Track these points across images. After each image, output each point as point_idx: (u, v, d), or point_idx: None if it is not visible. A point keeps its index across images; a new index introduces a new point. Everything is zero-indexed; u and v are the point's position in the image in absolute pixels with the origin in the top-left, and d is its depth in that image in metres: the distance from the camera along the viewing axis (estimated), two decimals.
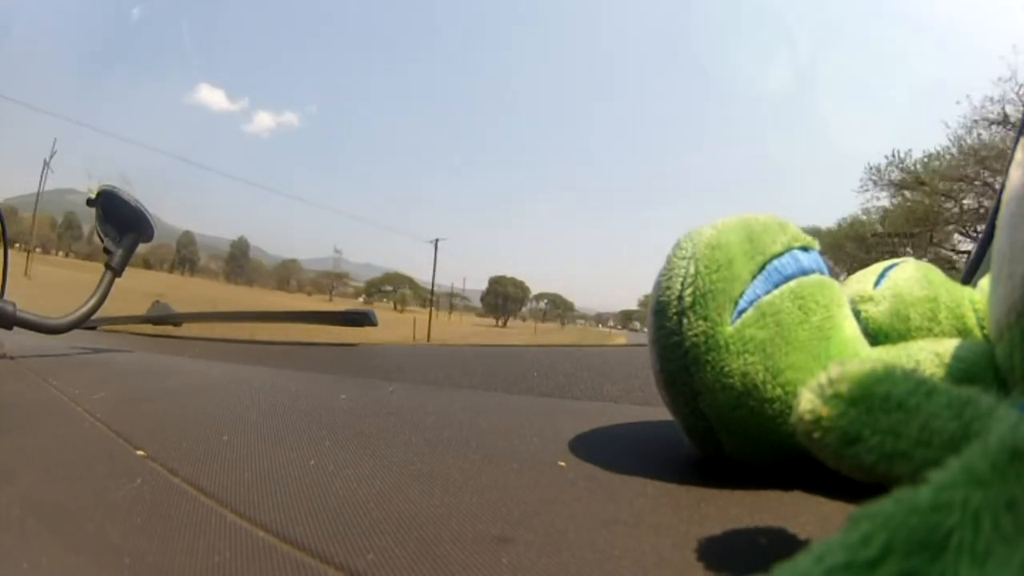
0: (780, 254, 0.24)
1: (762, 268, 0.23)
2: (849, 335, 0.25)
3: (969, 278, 0.54)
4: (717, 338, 0.22)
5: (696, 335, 0.22)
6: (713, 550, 0.17)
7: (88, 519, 0.20)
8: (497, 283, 42.46)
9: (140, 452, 0.27)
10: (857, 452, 0.13)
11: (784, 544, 0.18)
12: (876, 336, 0.29)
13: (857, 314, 0.29)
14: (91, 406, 0.35)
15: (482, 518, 0.20)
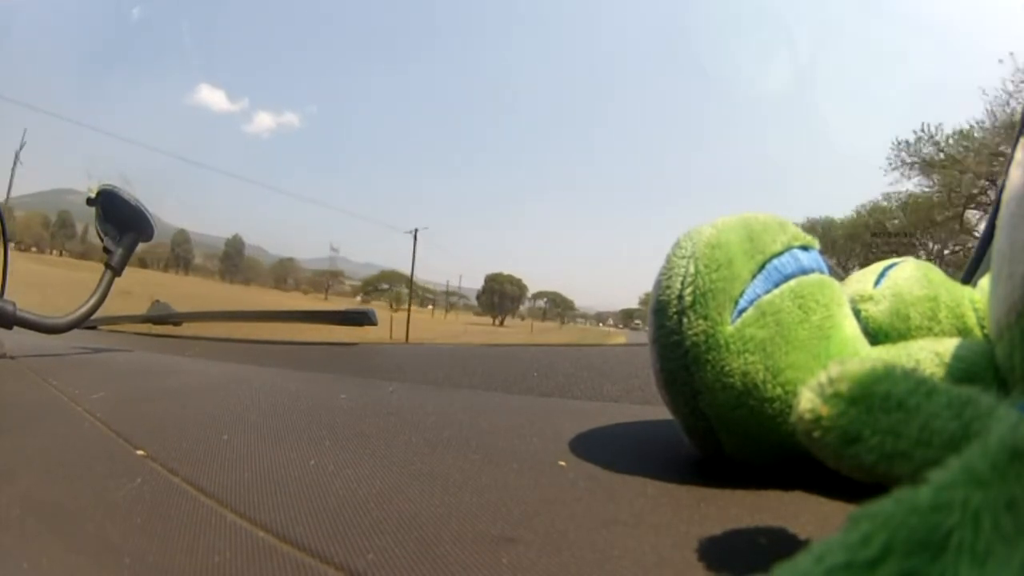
0: (780, 253, 0.24)
1: (762, 267, 0.23)
2: (849, 334, 0.25)
3: (969, 278, 0.54)
4: (717, 337, 0.22)
5: (696, 334, 0.22)
6: (713, 550, 0.17)
7: (88, 519, 0.20)
8: (493, 281, 41.82)
9: (140, 452, 0.27)
10: (857, 452, 0.13)
11: (784, 544, 0.18)
12: (876, 335, 0.29)
13: (857, 313, 0.29)
14: (91, 406, 0.35)
15: (482, 518, 0.20)
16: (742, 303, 0.22)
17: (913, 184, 10.81)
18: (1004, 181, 0.20)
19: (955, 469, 0.10)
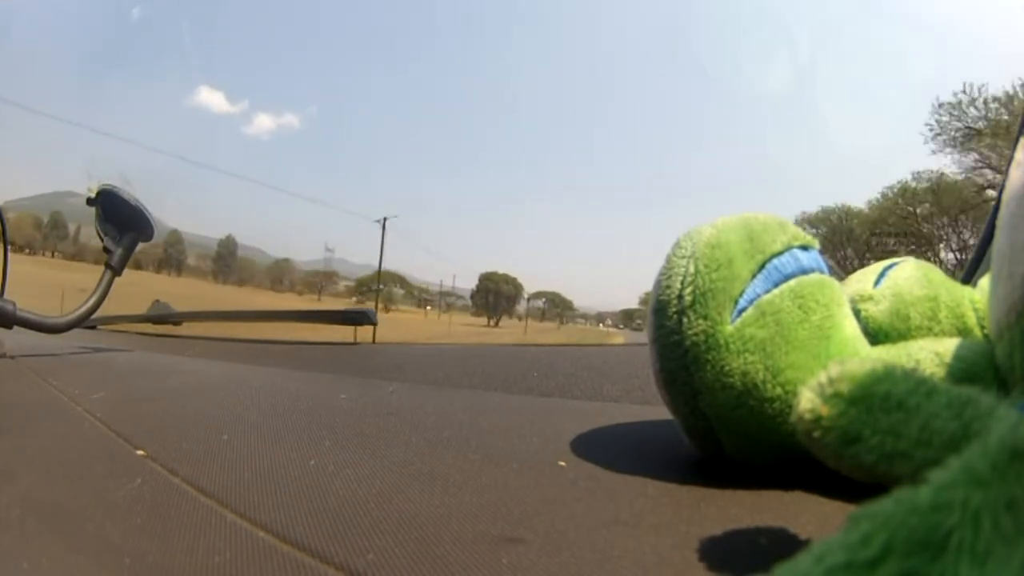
0: (780, 253, 0.24)
1: (762, 267, 0.23)
2: (849, 334, 0.25)
3: (969, 278, 0.54)
4: (717, 337, 0.22)
5: (696, 334, 0.22)
6: (713, 550, 0.17)
7: (88, 519, 0.20)
8: (488, 280, 40.90)
9: (140, 452, 0.27)
10: (857, 452, 0.13)
11: (784, 544, 0.18)
12: (876, 335, 0.29)
13: (857, 313, 0.29)
14: (91, 406, 0.35)
15: (482, 518, 0.20)
16: (742, 303, 0.22)
17: (949, 161, 9.66)
18: (1004, 181, 0.20)
19: (955, 469, 0.10)
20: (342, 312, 0.89)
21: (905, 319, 0.29)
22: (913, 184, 10.84)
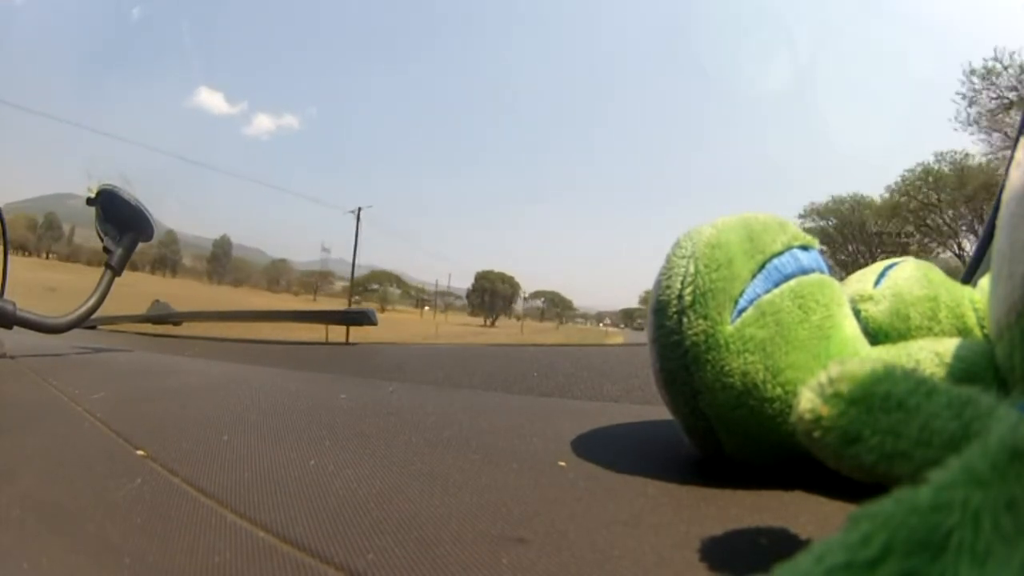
0: (780, 253, 0.24)
1: (762, 267, 0.23)
2: (849, 334, 0.25)
3: (969, 278, 0.54)
4: (717, 337, 0.22)
5: (696, 334, 0.22)
6: (713, 550, 0.17)
7: (88, 519, 0.20)
8: (484, 279, 40.06)
9: (140, 452, 0.27)
10: (857, 452, 0.13)
11: (784, 544, 0.18)
12: (876, 335, 0.29)
13: (857, 313, 0.29)
14: (91, 406, 0.35)
15: (482, 518, 0.20)
16: (742, 303, 0.22)
17: (975, 140, 8.68)
18: (1004, 181, 0.20)
19: (955, 469, 0.10)
20: (342, 312, 0.89)
21: (905, 319, 0.29)
22: (936, 166, 9.73)
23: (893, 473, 0.12)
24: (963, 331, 0.29)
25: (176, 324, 1.04)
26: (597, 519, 0.20)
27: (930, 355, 0.25)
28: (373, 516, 0.20)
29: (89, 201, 0.62)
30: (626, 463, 0.25)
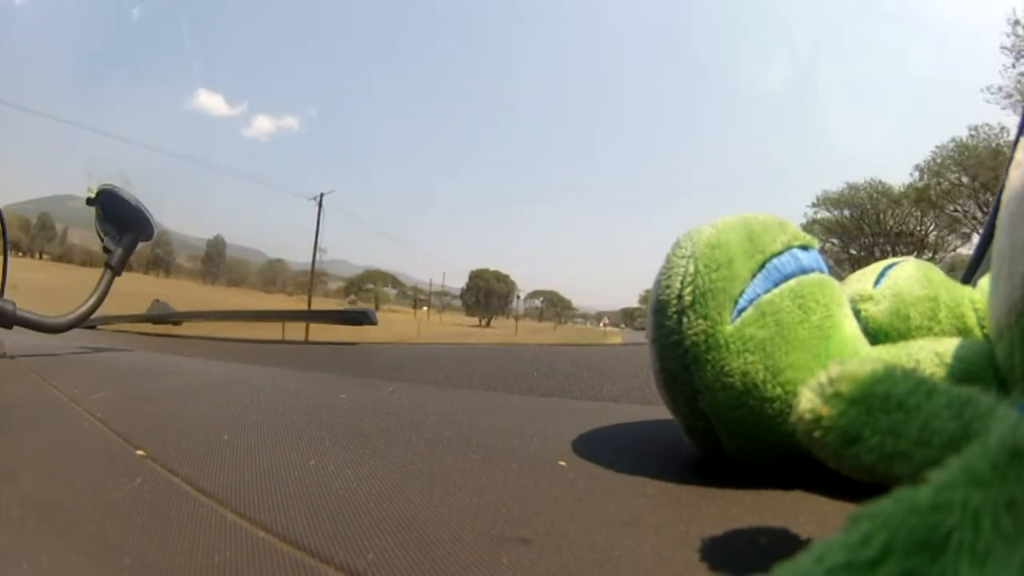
0: (780, 253, 0.24)
1: (762, 267, 0.23)
2: (849, 334, 0.25)
3: (969, 278, 0.54)
4: (717, 337, 0.22)
5: (696, 334, 0.22)
6: (713, 550, 0.17)
7: (88, 519, 0.20)
8: (478, 277, 39.18)
9: (140, 452, 0.27)
10: (857, 452, 0.13)
11: (784, 544, 0.18)
12: (876, 335, 0.29)
13: (857, 313, 0.29)
14: (91, 406, 0.35)
15: (482, 518, 0.20)
16: (742, 303, 0.22)
17: (1008, 111, 7.47)
18: (1004, 181, 0.20)
19: (955, 469, 0.10)
20: (342, 312, 0.89)
21: (905, 319, 0.29)
22: (970, 141, 8.44)
23: (893, 473, 0.13)
24: (963, 331, 0.29)
25: (176, 324, 1.04)
26: (597, 519, 0.20)
27: (930, 355, 0.25)
28: (373, 516, 0.20)
29: (89, 201, 0.62)
30: (626, 463, 0.25)
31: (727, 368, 0.22)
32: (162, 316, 1.04)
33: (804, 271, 0.24)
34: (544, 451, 0.28)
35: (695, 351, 0.22)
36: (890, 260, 0.33)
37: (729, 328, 0.22)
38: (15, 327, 0.57)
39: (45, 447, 0.28)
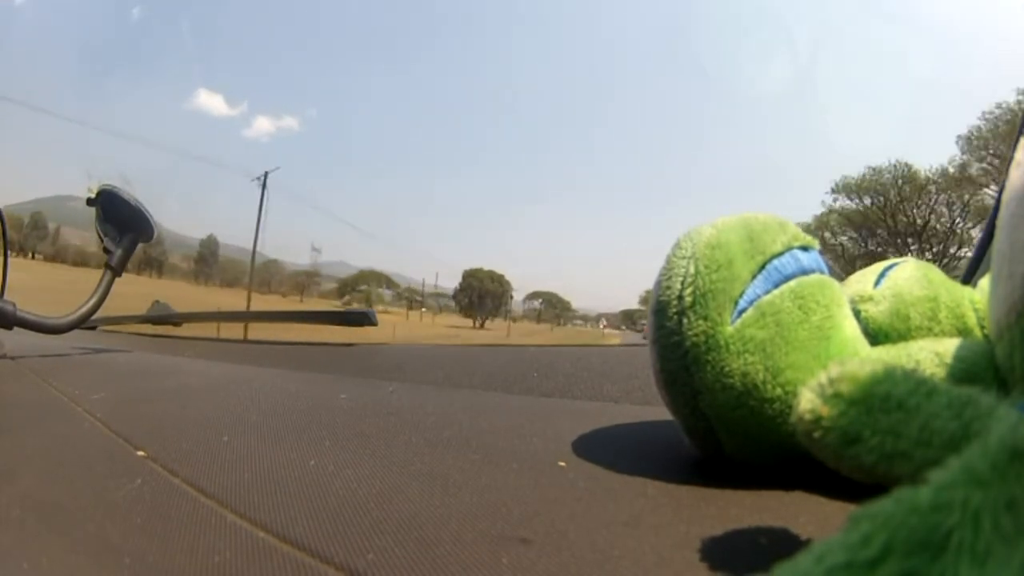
0: (780, 253, 0.24)
1: (762, 268, 0.23)
2: (849, 335, 0.25)
3: (969, 278, 0.54)
4: (717, 338, 0.22)
5: (696, 335, 0.22)
6: (713, 550, 0.17)
7: (88, 519, 0.20)
8: (472, 277, 38.03)
9: (140, 452, 0.27)
10: (857, 452, 0.13)
11: (784, 544, 0.18)
12: (876, 336, 0.29)
13: (857, 314, 0.29)
14: (91, 406, 0.35)
15: (482, 518, 0.20)
16: (742, 303, 0.22)
17: None
18: (1004, 181, 0.20)
19: (955, 469, 0.10)
20: (342, 313, 0.89)
21: (905, 319, 0.29)
22: (1019, 106, 7.09)
23: (893, 473, 0.13)
24: (963, 331, 0.29)
25: (176, 325, 1.04)
26: (597, 519, 0.20)
27: (930, 355, 0.25)
28: (373, 516, 0.20)
29: (89, 201, 0.62)
30: (626, 463, 0.25)
31: (727, 369, 0.22)
32: (162, 317, 1.04)
33: (804, 272, 0.24)
34: (544, 451, 0.28)
35: (695, 352, 0.22)
36: (890, 260, 0.33)
37: (729, 329, 0.22)
38: (15, 328, 0.57)
39: (45, 447, 0.28)
